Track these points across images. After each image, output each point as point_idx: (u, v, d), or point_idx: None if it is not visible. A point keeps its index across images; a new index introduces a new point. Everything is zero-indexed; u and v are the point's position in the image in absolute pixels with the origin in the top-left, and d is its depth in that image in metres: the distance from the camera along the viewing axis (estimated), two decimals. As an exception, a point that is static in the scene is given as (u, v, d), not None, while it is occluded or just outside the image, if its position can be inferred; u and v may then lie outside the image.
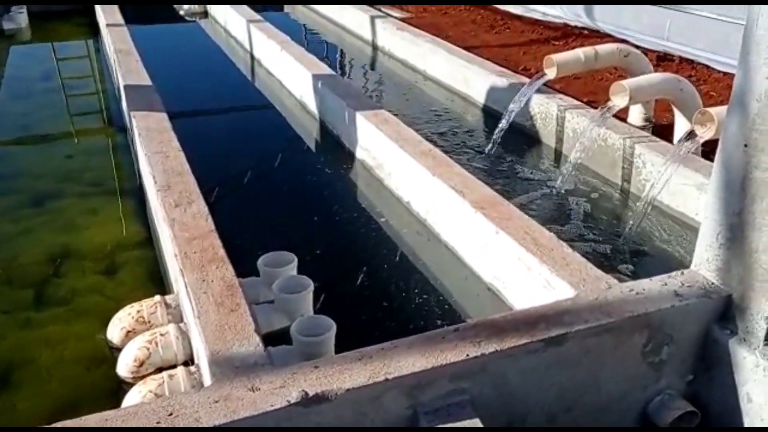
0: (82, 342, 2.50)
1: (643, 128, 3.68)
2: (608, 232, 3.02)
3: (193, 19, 7.27)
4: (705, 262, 2.11)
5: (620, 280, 2.24)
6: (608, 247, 2.91)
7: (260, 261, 2.49)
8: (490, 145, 3.75)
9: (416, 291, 2.65)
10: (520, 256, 2.38)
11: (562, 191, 3.31)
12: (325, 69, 4.32)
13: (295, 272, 2.51)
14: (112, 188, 3.69)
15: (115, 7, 6.10)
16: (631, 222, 2.96)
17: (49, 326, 2.61)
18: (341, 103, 3.76)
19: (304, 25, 7.29)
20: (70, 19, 7.11)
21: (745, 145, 1.89)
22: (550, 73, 3.59)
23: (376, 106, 3.65)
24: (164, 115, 3.53)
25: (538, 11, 6.83)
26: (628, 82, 3.14)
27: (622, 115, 3.76)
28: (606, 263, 2.78)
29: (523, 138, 4.01)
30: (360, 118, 3.55)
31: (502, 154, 3.75)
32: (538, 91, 3.89)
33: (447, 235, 2.89)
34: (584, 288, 2.11)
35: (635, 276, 2.68)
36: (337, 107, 3.87)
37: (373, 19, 5.94)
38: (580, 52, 3.59)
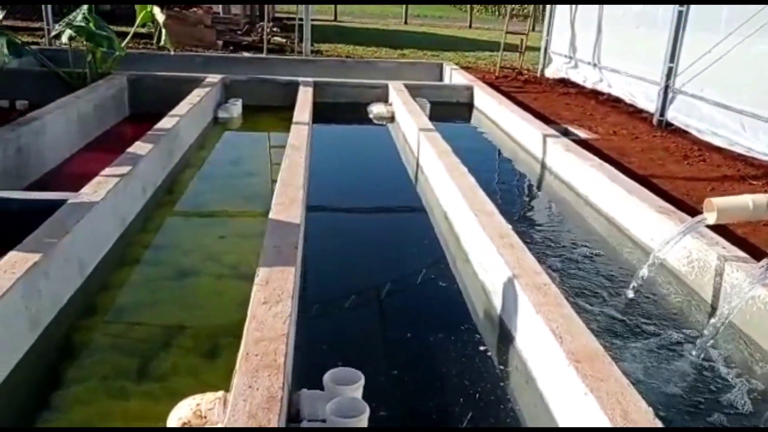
0: (158, 424, 2.56)
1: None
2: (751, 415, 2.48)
3: (382, 123, 7.67)
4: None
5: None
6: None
7: (327, 375, 2.40)
8: (630, 289, 3.34)
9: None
10: (604, 428, 2.01)
11: (700, 357, 2.81)
12: (470, 182, 4.24)
13: (359, 393, 2.37)
14: (246, 273, 3.86)
15: (307, 107, 6.65)
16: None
17: (136, 401, 2.70)
18: (472, 218, 3.64)
19: (483, 136, 7.35)
20: (278, 113, 7.87)
21: None
22: (710, 218, 3.16)
23: (504, 227, 3.46)
24: (300, 210, 3.67)
25: (742, 145, 6.19)
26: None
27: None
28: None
29: (673, 285, 3.53)
30: (484, 237, 3.39)
31: (640, 300, 3.32)
32: (700, 234, 3.45)
33: (543, 384, 2.57)
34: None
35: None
36: (468, 221, 3.74)
37: (545, 137, 5.79)
38: (748, 199, 3.12)
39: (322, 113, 7.74)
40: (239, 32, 13.83)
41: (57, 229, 3.13)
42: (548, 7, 10.74)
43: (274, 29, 13.65)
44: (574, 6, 9.79)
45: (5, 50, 5.77)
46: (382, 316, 3.39)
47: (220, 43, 12.33)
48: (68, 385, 2.73)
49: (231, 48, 12.26)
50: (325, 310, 3.37)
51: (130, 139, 6.85)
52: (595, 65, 9.02)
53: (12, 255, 2.79)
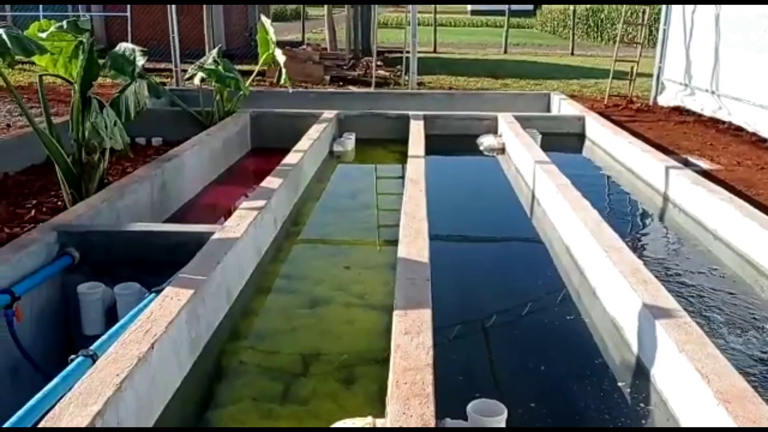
0: (306, 447, 2.73)
1: None
2: None
3: (492, 154, 7.74)
4: None
5: None
6: None
7: (470, 406, 2.48)
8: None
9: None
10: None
11: None
12: (593, 216, 4.23)
13: (503, 425, 2.44)
14: (373, 303, 4.01)
15: (421, 140, 6.83)
16: None
17: (284, 422, 2.89)
18: (601, 253, 3.63)
19: (597, 167, 7.27)
20: (388, 146, 8.12)
21: None
22: None
23: (636, 263, 3.44)
24: (426, 242, 3.79)
25: None
26: None
27: None
28: None
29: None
30: (616, 273, 3.38)
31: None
32: None
33: (687, 424, 2.53)
34: None
35: None
36: (596, 256, 3.74)
37: (666, 168, 5.67)
38: None
39: (432, 145, 7.89)
40: (345, 67, 14.34)
41: (210, 259, 3.41)
42: (661, 32, 10.47)
43: (378, 63, 14.06)
44: (689, 31, 9.53)
45: (146, 92, 6.29)
46: (511, 348, 3.44)
47: (327, 78, 12.84)
48: (223, 404, 2.96)
49: (340, 83, 12.75)
50: (455, 340, 3.46)
51: (252, 173, 7.30)
52: (713, 92, 8.72)
53: (175, 282, 3.08)
